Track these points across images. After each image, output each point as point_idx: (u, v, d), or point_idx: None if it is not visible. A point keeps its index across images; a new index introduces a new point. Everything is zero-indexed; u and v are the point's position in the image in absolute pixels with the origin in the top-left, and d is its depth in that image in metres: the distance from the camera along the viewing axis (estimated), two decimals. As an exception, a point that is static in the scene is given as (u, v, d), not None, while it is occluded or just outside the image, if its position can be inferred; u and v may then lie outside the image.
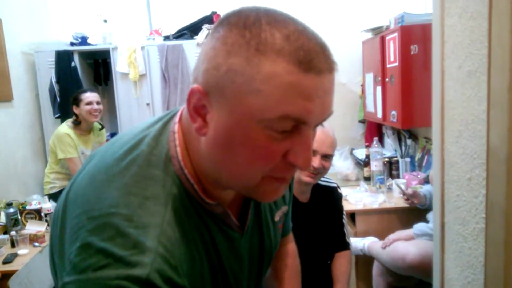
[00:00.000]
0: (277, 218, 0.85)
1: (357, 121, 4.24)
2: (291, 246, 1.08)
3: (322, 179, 1.88)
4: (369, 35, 3.61)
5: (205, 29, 3.70)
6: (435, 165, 1.24)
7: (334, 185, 1.96)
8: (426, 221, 2.36)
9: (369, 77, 3.53)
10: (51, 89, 3.55)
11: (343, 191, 2.82)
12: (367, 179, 3.19)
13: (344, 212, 1.97)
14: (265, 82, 0.53)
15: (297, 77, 0.53)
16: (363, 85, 3.92)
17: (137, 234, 0.54)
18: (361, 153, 3.62)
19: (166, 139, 0.65)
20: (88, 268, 0.52)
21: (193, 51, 3.62)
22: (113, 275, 0.51)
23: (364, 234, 2.58)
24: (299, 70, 0.53)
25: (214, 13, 3.88)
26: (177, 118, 0.66)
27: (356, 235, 2.61)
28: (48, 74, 3.57)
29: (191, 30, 3.77)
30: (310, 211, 1.80)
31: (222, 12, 3.85)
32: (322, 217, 1.84)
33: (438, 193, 1.22)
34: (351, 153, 3.79)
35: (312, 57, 0.54)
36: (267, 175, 0.59)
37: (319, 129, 1.70)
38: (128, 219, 0.55)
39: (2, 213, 2.48)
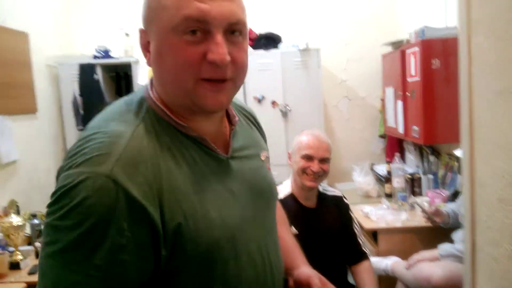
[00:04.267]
0: (263, 157, 0.95)
1: (377, 136, 4.20)
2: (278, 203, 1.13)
3: (328, 189, 1.98)
4: (389, 48, 3.58)
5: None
6: (464, 185, 1.21)
7: (340, 194, 1.99)
8: (451, 241, 2.30)
9: (389, 92, 3.50)
10: (74, 102, 3.62)
11: (364, 208, 2.81)
12: (389, 195, 3.14)
13: (356, 222, 1.98)
14: None
15: None
16: (383, 100, 3.88)
17: (110, 142, 0.68)
18: (382, 169, 3.57)
19: (142, 89, 0.82)
20: (70, 166, 0.67)
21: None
22: (83, 170, 0.65)
23: (387, 253, 2.53)
24: None
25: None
26: (149, 85, 0.81)
27: (378, 254, 2.56)
28: (71, 87, 3.64)
29: (212, 44, 3.80)
30: (318, 216, 1.86)
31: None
32: (331, 223, 1.88)
33: (468, 213, 1.19)
34: (372, 169, 3.73)
35: None
36: (197, 79, 0.72)
37: (313, 137, 1.83)
38: (104, 132, 0.70)
39: (27, 225, 2.51)
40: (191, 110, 0.76)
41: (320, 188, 1.93)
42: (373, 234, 2.69)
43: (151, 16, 0.74)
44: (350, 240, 1.91)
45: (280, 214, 1.10)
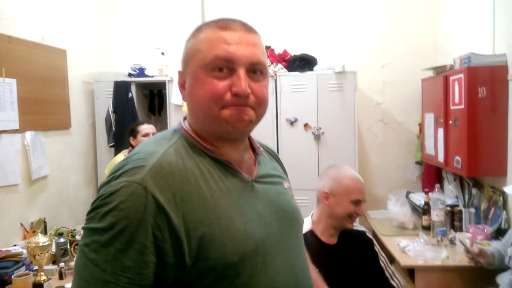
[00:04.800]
0: (285, 186, 1.04)
1: (413, 162, 4.02)
2: None
3: None
4: (430, 73, 3.44)
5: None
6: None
7: (362, 229, 1.94)
8: (496, 285, 2.12)
9: (429, 118, 3.34)
10: (108, 118, 3.63)
11: (400, 241, 2.65)
12: (426, 228, 2.96)
13: (383, 255, 1.91)
14: (201, 42, 0.86)
15: (218, 33, 0.85)
16: (421, 125, 3.73)
17: (144, 158, 0.80)
18: (418, 198, 3.40)
19: (175, 126, 0.96)
20: (111, 179, 0.79)
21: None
22: (121, 180, 0.76)
23: (424, 293, 2.36)
24: (220, 30, 0.85)
25: (268, 47, 3.86)
26: (181, 120, 0.95)
27: (415, 294, 2.40)
28: (105, 104, 3.66)
29: (245, 65, 3.75)
30: (339, 252, 1.80)
31: (276, 47, 3.84)
32: (353, 259, 1.81)
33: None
34: (407, 197, 3.56)
35: (228, 24, 0.86)
36: (223, 107, 0.83)
37: (358, 179, 1.80)
38: (141, 153, 0.83)
39: (53, 242, 2.49)
40: (219, 137, 0.87)
41: None
42: (410, 272, 2.53)
43: (188, 58, 0.89)
44: (377, 276, 1.84)
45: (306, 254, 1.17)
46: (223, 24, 0.85)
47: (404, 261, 2.47)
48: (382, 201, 3.91)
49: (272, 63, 3.68)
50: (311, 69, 3.61)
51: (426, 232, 2.85)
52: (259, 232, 0.85)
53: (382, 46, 3.98)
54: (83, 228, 0.78)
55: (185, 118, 0.94)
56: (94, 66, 3.84)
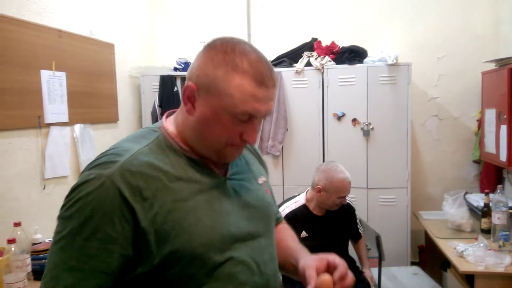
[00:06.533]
0: (260, 181, 1.10)
1: (470, 161, 3.77)
2: (284, 224, 1.30)
3: None
4: (491, 66, 3.18)
5: (305, 56, 3.55)
6: None
7: (348, 201, 2.48)
8: None
9: (490, 113, 3.10)
10: (154, 112, 3.65)
11: (458, 245, 2.48)
12: (485, 231, 2.74)
13: (358, 217, 2.62)
14: (235, 89, 0.87)
15: (254, 89, 0.88)
16: (480, 121, 3.48)
17: (118, 154, 0.87)
18: (476, 199, 3.16)
19: (155, 125, 1.01)
20: (85, 169, 0.87)
21: (291, 79, 3.46)
22: (92, 172, 0.83)
23: (486, 303, 2.17)
24: (256, 85, 0.88)
25: (315, 39, 3.74)
26: (164, 118, 1.02)
27: (475, 303, 2.21)
28: (151, 98, 3.68)
29: (291, 57, 3.63)
30: (325, 222, 2.37)
31: (323, 39, 3.70)
32: (336, 227, 2.40)
33: None
34: (464, 198, 3.32)
35: (264, 79, 0.89)
36: (228, 144, 0.93)
37: (349, 181, 2.31)
38: (118, 148, 0.90)
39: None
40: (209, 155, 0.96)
41: None
42: (468, 278, 2.34)
43: (214, 89, 0.89)
44: (354, 231, 2.60)
45: (289, 233, 1.25)
46: (260, 78, 0.88)
47: (462, 266, 2.29)
48: (436, 202, 3.69)
49: (319, 55, 3.55)
50: (360, 61, 3.45)
51: (485, 236, 2.64)
52: (226, 227, 0.92)
53: (438, 37, 3.74)
54: (58, 217, 0.84)
55: (167, 115, 1.01)
56: (141, 60, 3.86)
